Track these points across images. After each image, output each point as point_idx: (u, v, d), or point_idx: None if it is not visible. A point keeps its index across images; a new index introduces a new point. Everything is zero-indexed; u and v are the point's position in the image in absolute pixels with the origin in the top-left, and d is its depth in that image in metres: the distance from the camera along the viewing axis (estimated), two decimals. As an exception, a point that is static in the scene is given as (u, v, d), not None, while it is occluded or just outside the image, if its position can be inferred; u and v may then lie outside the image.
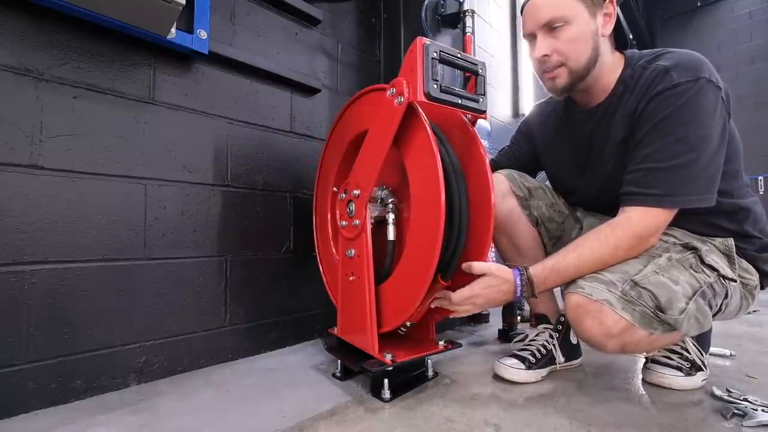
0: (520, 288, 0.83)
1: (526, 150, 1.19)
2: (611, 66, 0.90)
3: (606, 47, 0.88)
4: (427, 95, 0.81)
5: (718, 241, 0.89)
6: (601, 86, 0.91)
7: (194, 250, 1.07)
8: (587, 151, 0.98)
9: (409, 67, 0.83)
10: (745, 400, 0.84)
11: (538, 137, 1.15)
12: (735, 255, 0.88)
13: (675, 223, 0.87)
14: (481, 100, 0.91)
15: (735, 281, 0.86)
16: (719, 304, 0.85)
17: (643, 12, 5.36)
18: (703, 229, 0.90)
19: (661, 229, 0.83)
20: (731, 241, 0.89)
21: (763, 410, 0.79)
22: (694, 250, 0.85)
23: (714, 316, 0.85)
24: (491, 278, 0.83)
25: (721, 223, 0.89)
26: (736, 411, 0.80)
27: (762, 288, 0.93)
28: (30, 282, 0.82)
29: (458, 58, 0.87)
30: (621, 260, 0.82)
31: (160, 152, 1.02)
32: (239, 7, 1.21)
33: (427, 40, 0.82)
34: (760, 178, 4.34)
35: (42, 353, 0.83)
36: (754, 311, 0.90)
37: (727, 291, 0.85)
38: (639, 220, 0.81)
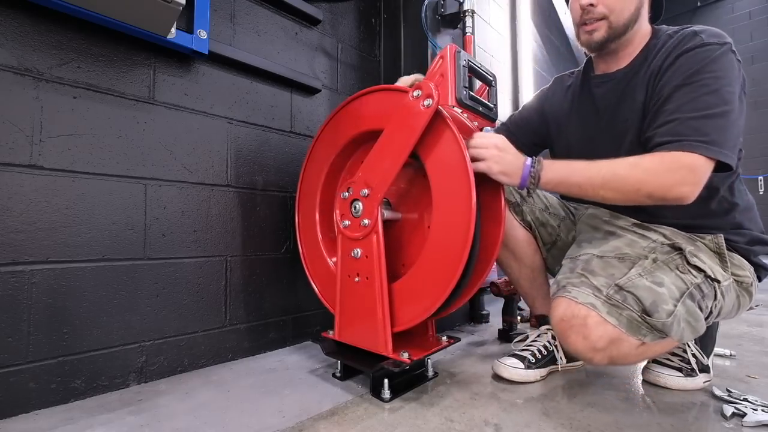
0: (530, 167, 0.82)
1: (534, 122, 1.13)
2: (642, 34, 0.90)
3: (645, 12, 0.89)
4: (459, 101, 0.83)
5: (708, 239, 0.87)
6: (628, 51, 0.91)
7: (194, 250, 1.07)
8: (600, 114, 0.95)
9: (439, 72, 0.85)
10: (745, 400, 0.84)
11: (549, 115, 1.10)
12: (726, 252, 0.85)
13: (664, 220, 0.85)
14: (494, 109, 0.94)
15: (719, 282, 0.82)
16: (710, 307, 0.82)
17: (643, 12, 5.36)
18: (694, 223, 0.88)
19: (692, 183, 0.73)
20: (721, 238, 0.86)
21: (763, 410, 0.79)
22: (679, 250, 0.84)
23: (707, 319, 0.82)
24: (504, 140, 0.83)
25: (711, 216, 0.87)
26: (736, 411, 0.80)
27: (759, 280, 0.91)
28: (30, 282, 0.82)
29: (480, 68, 0.88)
30: (638, 187, 0.75)
31: (160, 152, 1.02)
32: (239, 7, 1.21)
33: (457, 48, 0.84)
34: (760, 178, 4.33)
35: (42, 353, 0.83)
36: (756, 306, 0.89)
37: (715, 292, 0.83)
38: (675, 156, 0.74)
